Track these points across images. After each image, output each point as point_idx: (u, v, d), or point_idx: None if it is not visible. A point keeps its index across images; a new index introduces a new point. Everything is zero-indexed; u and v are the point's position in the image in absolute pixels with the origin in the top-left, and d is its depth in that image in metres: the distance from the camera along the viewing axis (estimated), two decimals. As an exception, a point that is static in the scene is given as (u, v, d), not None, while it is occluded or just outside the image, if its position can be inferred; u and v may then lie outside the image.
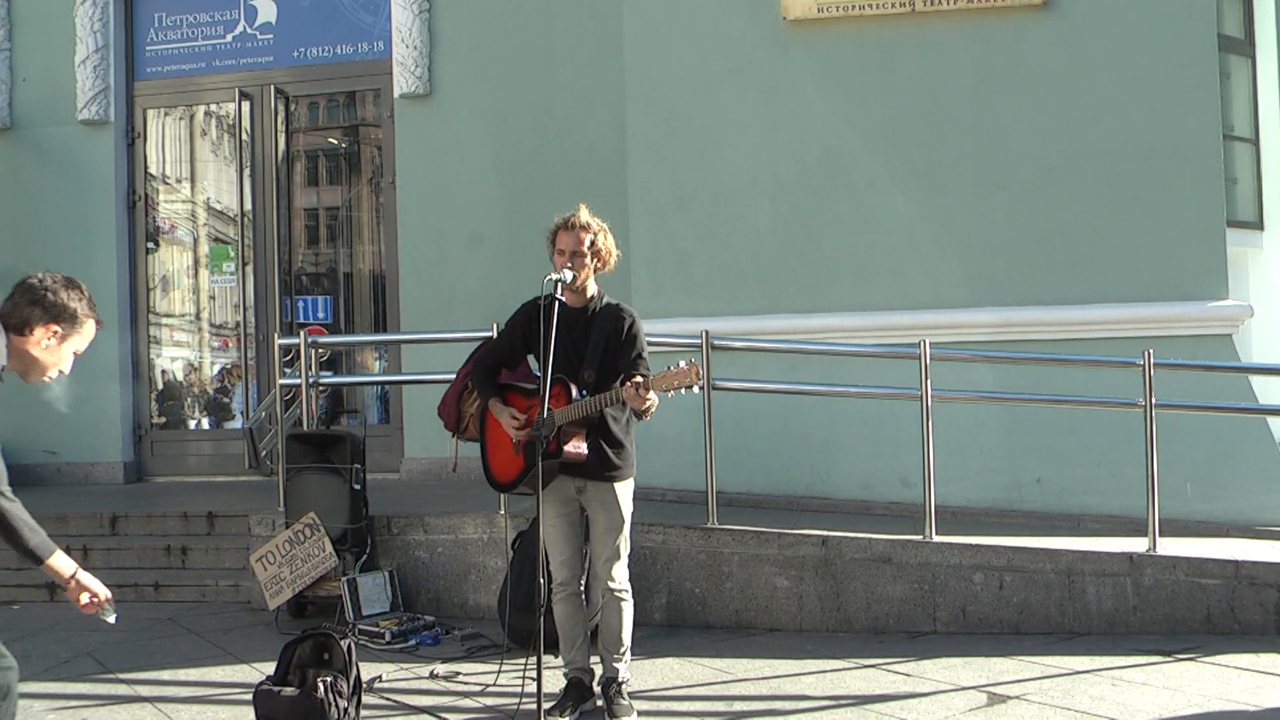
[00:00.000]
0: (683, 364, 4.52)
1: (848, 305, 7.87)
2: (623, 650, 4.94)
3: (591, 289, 4.90)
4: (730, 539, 6.59)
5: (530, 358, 5.07)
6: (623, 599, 4.93)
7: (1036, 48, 7.82)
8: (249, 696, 4.98)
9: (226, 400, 10.39)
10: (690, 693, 5.41)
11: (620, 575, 4.92)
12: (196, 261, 10.45)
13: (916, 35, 7.92)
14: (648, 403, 4.57)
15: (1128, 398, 6.63)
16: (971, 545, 6.39)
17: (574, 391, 4.72)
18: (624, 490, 4.92)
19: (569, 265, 4.78)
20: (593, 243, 4.84)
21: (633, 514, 4.99)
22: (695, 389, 4.57)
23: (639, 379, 4.56)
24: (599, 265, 4.89)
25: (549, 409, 4.56)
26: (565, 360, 4.75)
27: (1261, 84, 9.09)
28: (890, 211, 7.92)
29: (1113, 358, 7.07)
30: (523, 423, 4.82)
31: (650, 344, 5.18)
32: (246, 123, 9.83)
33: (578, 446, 4.72)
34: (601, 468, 4.82)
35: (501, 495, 6.43)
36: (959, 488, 7.30)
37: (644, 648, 5.85)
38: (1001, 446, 7.55)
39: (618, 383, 4.72)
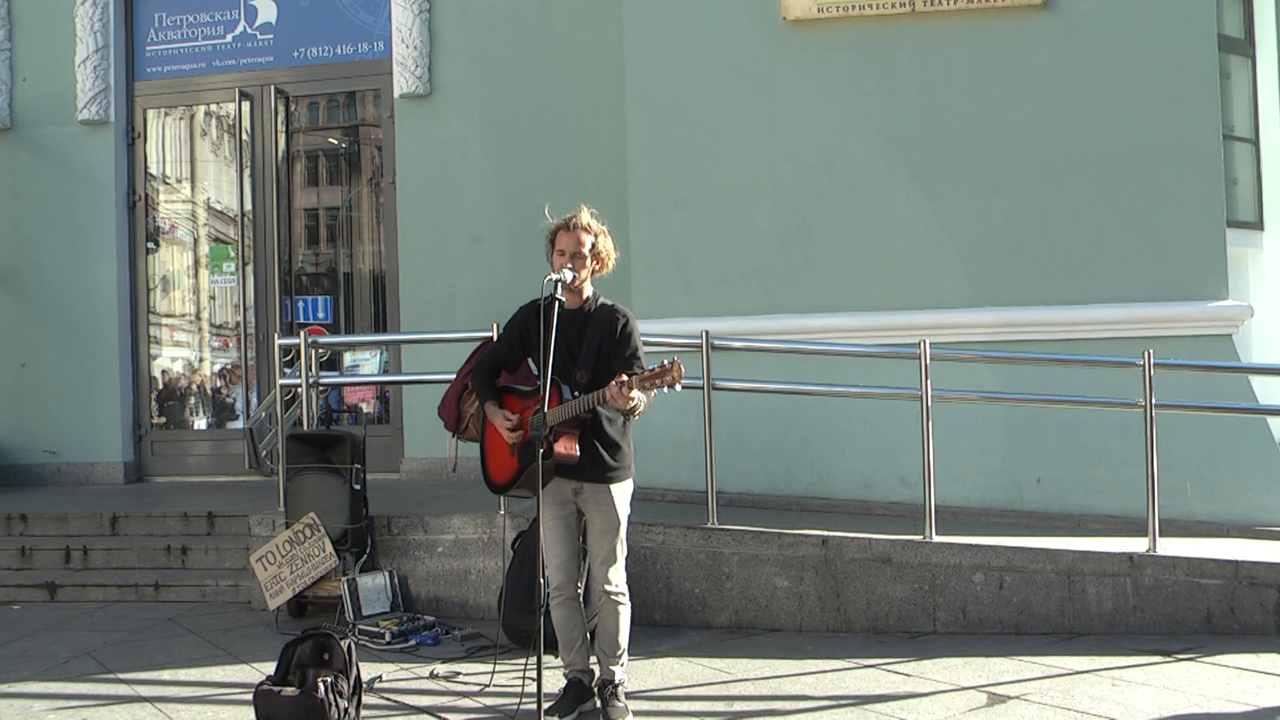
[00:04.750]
0: (665, 362, 4.52)
1: (848, 305, 7.87)
2: (619, 654, 4.93)
3: (588, 290, 4.91)
4: (730, 539, 6.59)
5: (530, 360, 5.07)
6: (619, 602, 4.91)
7: (1036, 48, 7.82)
8: (249, 696, 4.98)
9: (227, 400, 10.39)
10: (690, 693, 5.41)
11: (617, 578, 4.91)
12: (196, 261, 10.45)
13: (916, 35, 7.92)
14: (632, 402, 4.56)
15: (1128, 398, 6.63)
16: (971, 545, 6.39)
17: (566, 392, 4.72)
18: (620, 492, 4.90)
19: (569, 265, 4.78)
20: (593, 245, 4.84)
21: (630, 516, 4.97)
22: (678, 388, 4.53)
23: (623, 377, 4.55)
24: (598, 267, 4.89)
25: (544, 410, 4.56)
26: (561, 361, 4.75)
27: (1261, 84, 9.08)
28: (890, 211, 7.92)
29: (1113, 358, 7.07)
30: (515, 424, 4.84)
31: (650, 344, 5.18)
32: (246, 123, 9.83)
33: (569, 447, 4.71)
34: (597, 469, 4.81)
35: (501, 496, 6.43)
36: (959, 488, 7.30)
37: (644, 648, 5.86)
38: (1001, 446, 7.55)
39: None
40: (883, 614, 6.40)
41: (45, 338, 10.04)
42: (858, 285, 7.91)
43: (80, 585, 7.49)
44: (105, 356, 9.95)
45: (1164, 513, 6.48)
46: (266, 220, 9.87)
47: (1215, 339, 7.61)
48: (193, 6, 10.15)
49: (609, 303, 4.94)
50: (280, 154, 9.96)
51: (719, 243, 8.12)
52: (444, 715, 5.09)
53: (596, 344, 4.80)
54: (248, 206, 9.87)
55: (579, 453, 4.74)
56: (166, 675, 5.77)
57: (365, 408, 10.12)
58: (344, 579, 6.62)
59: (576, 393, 4.73)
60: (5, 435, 10.04)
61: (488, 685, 5.42)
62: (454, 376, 5.72)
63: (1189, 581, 6.16)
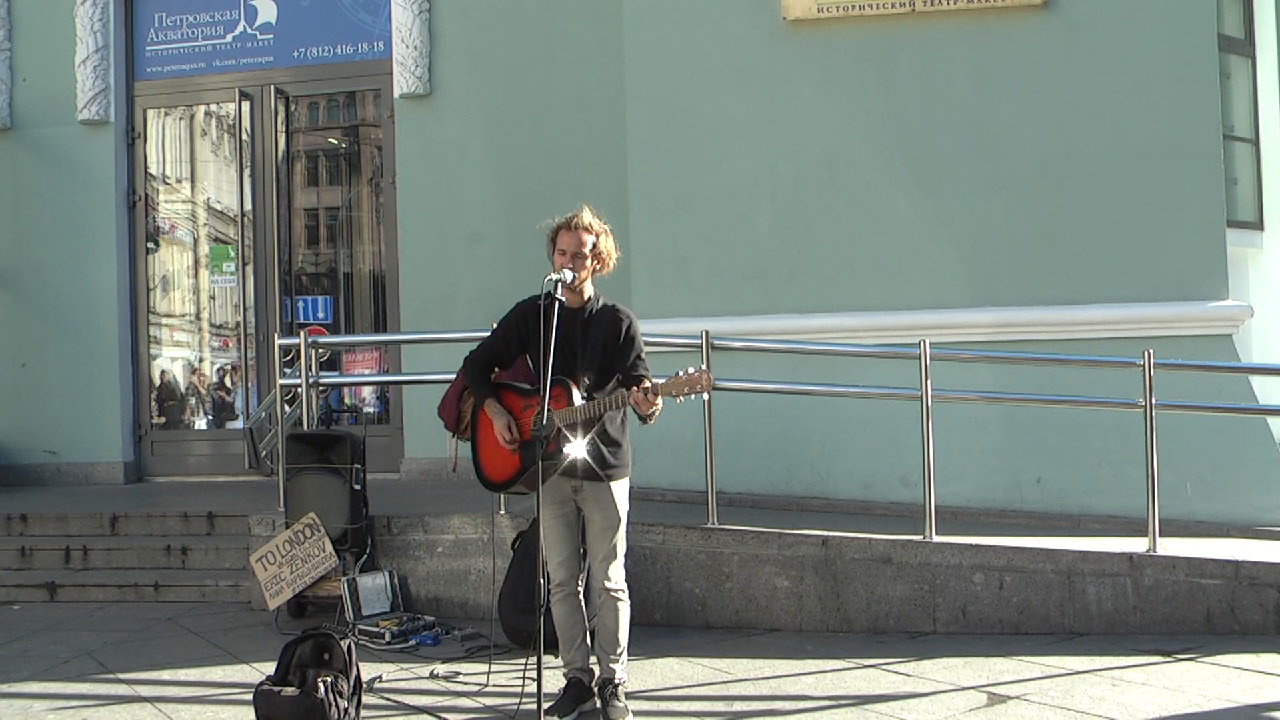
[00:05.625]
0: (692, 370, 4.51)
1: (848, 305, 7.87)
2: (619, 651, 4.93)
3: (588, 290, 4.90)
4: (730, 539, 6.59)
5: (526, 357, 5.04)
6: (619, 599, 4.91)
7: (1036, 48, 7.82)
8: (249, 696, 4.98)
9: (227, 400, 10.39)
10: (690, 693, 5.40)
11: (616, 575, 4.91)
12: (196, 261, 10.46)
13: (916, 35, 7.92)
14: (656, 407, 4.56)
15: (1128, 398, 6.63)
16: (971, 545, 6.39)
17: (575, 393, 4.70)
18: (620, 489, 4.90)
19: (569, 265, 4.77)
20: (595, 245, 4.83)
21: (630, 513, 4.97)
22: (705, 395, 4.54)
23: (648, 384, 4.55)
24: (599, 267, 4.88)
25: (549, 410, 4.55)
26: (562, 361, 4.74)
27: (1261, 84, 9.09)
28: (890, 211, 7.92)
29: (1113, 358, 7.07)
30: (514, 436, 4.78)
31: (650, 344, 5.17)
32: (246, 123, 9.83)
33: (575, 449, 4.71)
34: (597, 467, 4.81)
35: (500, 495, 6.44)
36: (959, 488, 7.30)
37: (644, 648, 5.86)
38: (1001, 446, 7.55)
39: (613, 384, 4.71)
40: (883, 614, 6.40)
41: (45, 338, 10.04)
42: (858, 285, 7.91)
43: (80, 585, 7.49)
44: (105, 356, 9.95)
45: (1164, 513, 6.48)
46: (266, 220, 9.87)
47: (1215, 339, 7.61)
48: (193, 6, 10.15)
49: (611, 304, 4.93)
50: (280, 154, 9.96)
51: (719, 243, 8.12)
52: (444, 715, 5.09)
53: (600, 346, 4.80)
54: (248, 206, 9.87)
55: (584, 456, 4.74)
56: (166, 675, 5.77)
57: (365, 404, 10.13)
58: (344, 579, 6.62)
59: (584, 394, 4.72)
60: (5, 435, 10.04)
61: (487, 685, 5.42)
62: (454, 376, 5.72)
63: (1189, 581, 6.16)
